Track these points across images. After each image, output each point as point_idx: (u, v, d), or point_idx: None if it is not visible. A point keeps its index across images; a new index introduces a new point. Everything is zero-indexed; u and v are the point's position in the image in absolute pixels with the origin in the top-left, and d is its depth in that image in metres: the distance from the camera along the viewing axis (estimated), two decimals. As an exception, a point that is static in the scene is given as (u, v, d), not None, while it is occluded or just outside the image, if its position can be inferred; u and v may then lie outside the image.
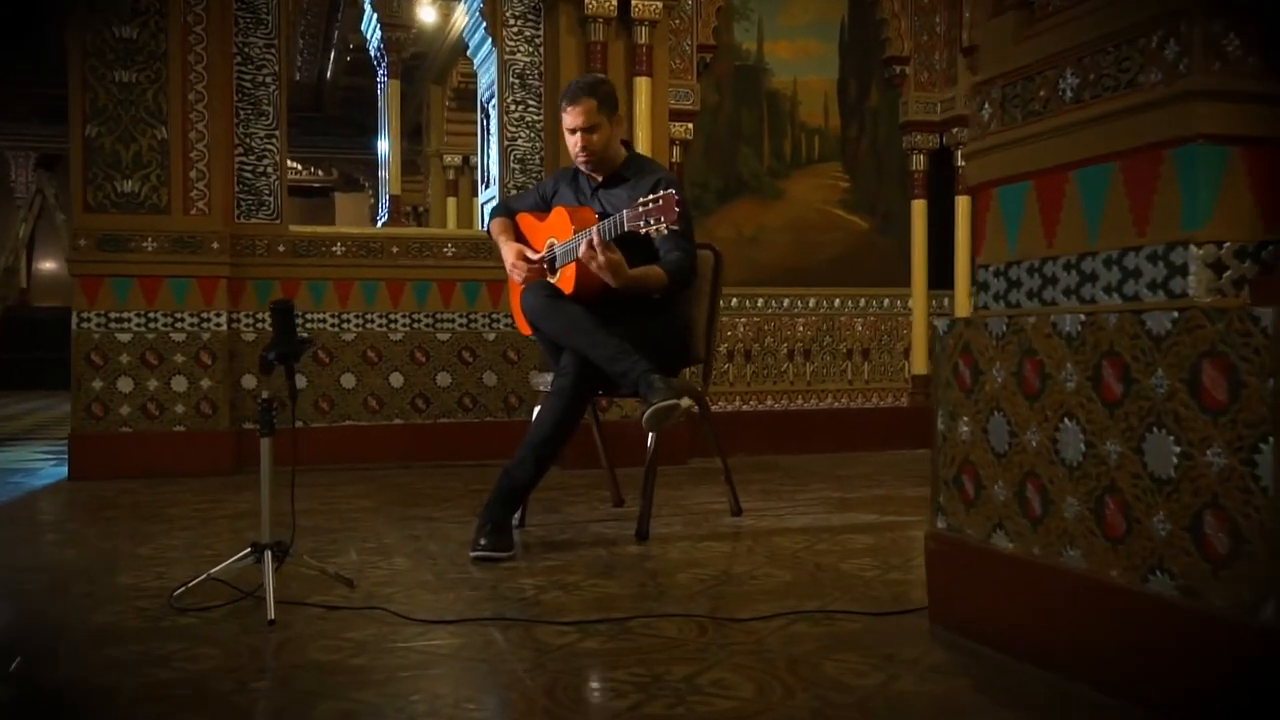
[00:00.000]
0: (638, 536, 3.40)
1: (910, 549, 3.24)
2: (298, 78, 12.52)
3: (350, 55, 11.05)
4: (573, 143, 3.55)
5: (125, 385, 5.04)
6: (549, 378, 3.55)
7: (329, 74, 12.39)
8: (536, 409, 3.67)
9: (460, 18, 8.63)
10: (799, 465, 5.45)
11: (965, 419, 2.28)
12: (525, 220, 3.78)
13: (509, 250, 3.64)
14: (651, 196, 3.08)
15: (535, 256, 3.59)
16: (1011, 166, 2.18)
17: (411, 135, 12.45)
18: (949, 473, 2.35)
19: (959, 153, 6.01)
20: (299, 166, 15.27)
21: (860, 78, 6.15)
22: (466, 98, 9.96)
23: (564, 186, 3.73)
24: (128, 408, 5.04)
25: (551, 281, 3.51)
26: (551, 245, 3.55)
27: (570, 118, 3.51)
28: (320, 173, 15.57)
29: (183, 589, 2.58)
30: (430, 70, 10.44)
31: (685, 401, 3.22)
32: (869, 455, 5.85)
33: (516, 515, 3.46)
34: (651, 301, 3.54)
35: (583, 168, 3.61)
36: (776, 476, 5.02)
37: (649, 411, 3.12)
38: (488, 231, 3.90)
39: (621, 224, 3.13)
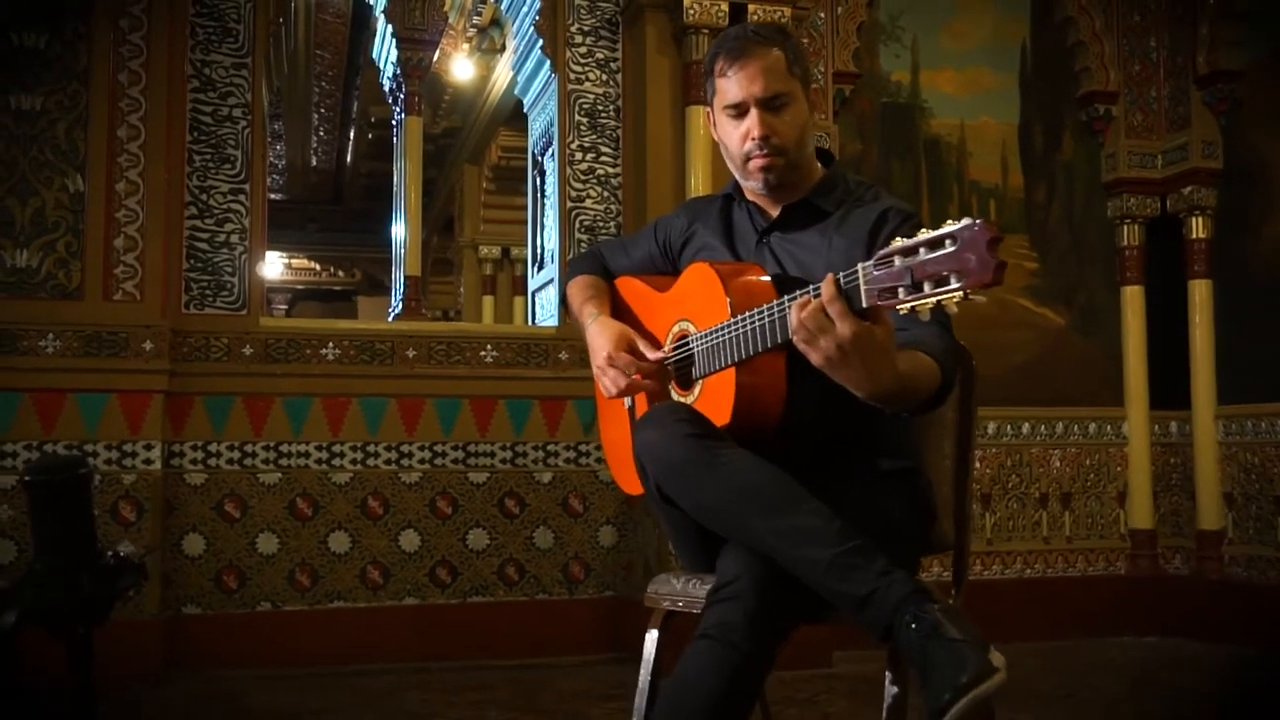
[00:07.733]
0: None
1: None
2: (314, 162, 11.14)
3: (372, 132, 9.64)
4: (738, 136, 1.88)
5: (7, 552, 3.39)
6: (687, 586, 1.86)
7: (349, 157, 11.00)
8: (649, 648, 1.94)
9: (502, 78, 7.15)
10: (999, 670, 3.68)
11: None
12: (630, 287, 2.08)
13: (604, 335, 1.94)
14: (931, 234, 1.39)
15: (653, 355, 1.90)
16: None
17: (442, 230, 10.97)
18: None
19: (1192, 221, 4.35)
20: (317, 266, 13.81)
21: (1049, 121, 4.58)
22: (507, 177, 8.47)
23: (702, 228, 2.04)
24: (9, 583, 3.37)
25: (686, 402, 1.83)
26: (685, 333, 1.87)
27: (737, 83, 1.85)
28: (341, 273, 14.03)
29: None
30: (464, 147, 8.97)
31: (998, 660, 1.50)
32: (1084, 647, 4.11)
33: None
34: (870, 435, 1.86)
35: (754, 178, 1.91)
36: (983, 697, 3.25)
37: (960, 706, 1.39)
38: (563, 299, 2.22)
39: (859, 288, 1.44)
